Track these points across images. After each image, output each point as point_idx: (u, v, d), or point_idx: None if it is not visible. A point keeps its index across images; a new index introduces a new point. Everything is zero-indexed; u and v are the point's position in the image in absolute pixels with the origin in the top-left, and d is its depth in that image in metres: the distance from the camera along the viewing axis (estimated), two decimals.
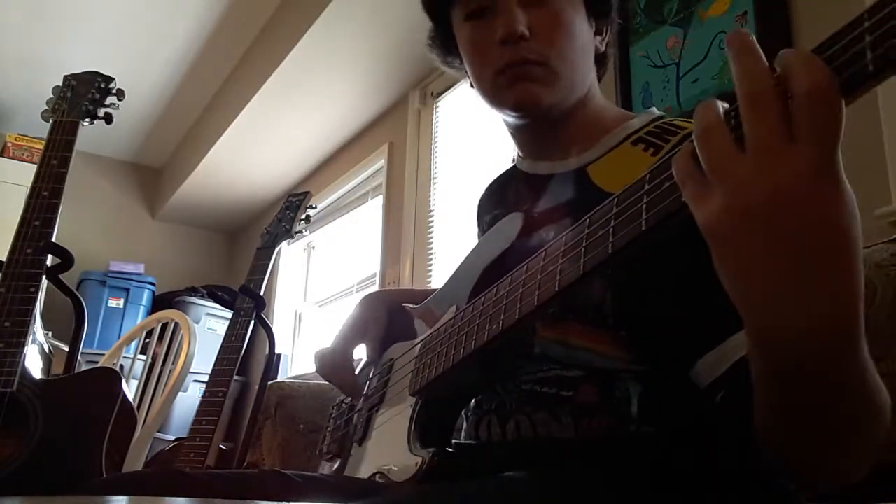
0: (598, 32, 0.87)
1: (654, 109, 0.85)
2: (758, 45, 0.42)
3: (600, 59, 0.89)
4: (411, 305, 0.94)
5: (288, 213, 1.86)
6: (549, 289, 0.59)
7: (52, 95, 1.47)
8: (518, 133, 0.89)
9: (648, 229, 0.50)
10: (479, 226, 1.02)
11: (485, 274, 0.79)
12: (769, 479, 0.66)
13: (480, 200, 1.03)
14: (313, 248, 4.13)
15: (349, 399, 0.99)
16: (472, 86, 0.90)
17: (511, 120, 0.87)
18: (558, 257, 0.59)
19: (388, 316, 0.98)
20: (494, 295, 0.69)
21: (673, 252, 0.57)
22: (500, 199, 0.97)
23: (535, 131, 0.87)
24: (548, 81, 0.80)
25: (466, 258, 0.87)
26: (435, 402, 0.78)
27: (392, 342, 0.95)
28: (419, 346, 0.83)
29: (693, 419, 0.68)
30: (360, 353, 0.99)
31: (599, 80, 0.90)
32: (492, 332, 0.67)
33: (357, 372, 0.98)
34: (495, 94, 0.83)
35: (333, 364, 0.94)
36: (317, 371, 0.98)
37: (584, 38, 0.83)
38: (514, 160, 0.95)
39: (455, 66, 0.93)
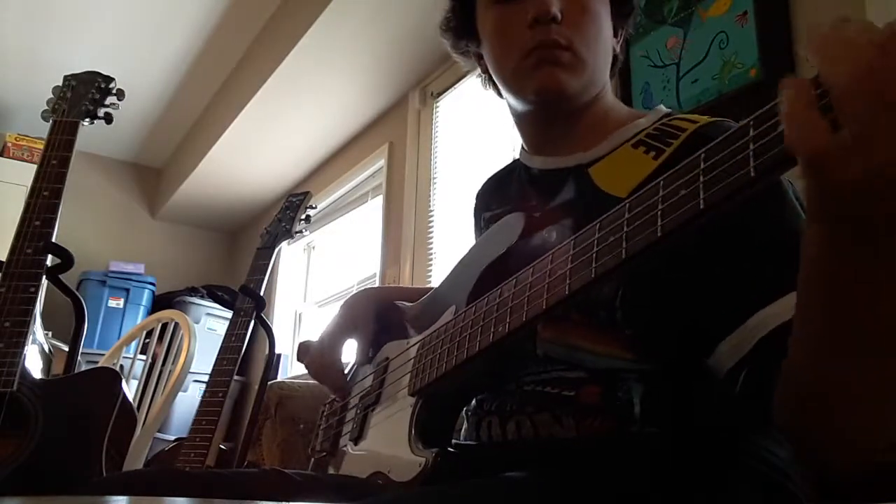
0: (614, 33, 0.88)
1: (662, 107, 0.85)
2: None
3: (613, 62, 0.89)
4: (405, 303, 0.94)
5: (288, 213, 1.86)
6: (559, 292, 0.59)
7: (52, 95, 1.47)
8: (526, 125, 0.89)
9: (664, 236, 0.50)
10: (476, 220, 1.02)
11: (484, 274, 0.79)
12: (773, 481, 0.66)
13: (478, 194, 1.03)
14: (313, 248, 4.13)
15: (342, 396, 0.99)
16: (484, 72, 0.89)
17: (526, 108, 0.86)
18: (567, 261, 0.59)
19: (378, 314, 0.98)
20: (499, 297, 0.69)
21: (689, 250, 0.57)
22: (500, 195, 0.96)
23: (544, 123, 0.86)
24: (574, 68, 0.80)
25: (465, 257, 0.86)
26: (436, 402, 0.77)
27: (385, 340, 0.95)
28: (417, 346, 0.83)
29: (695, 419, 0.68)
30: (349, 350, 0.99)
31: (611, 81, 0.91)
32: (497, 334, 0.66)
33: (347, 370, 0.98)
34: (517, 78, 0.82)
35: (322, 362, 0.95)
36: (298, 359, 0.97)
37: (608, 34, 0.84)
38: (518, 154, 0.95)
39: (465, 51, 0.92)
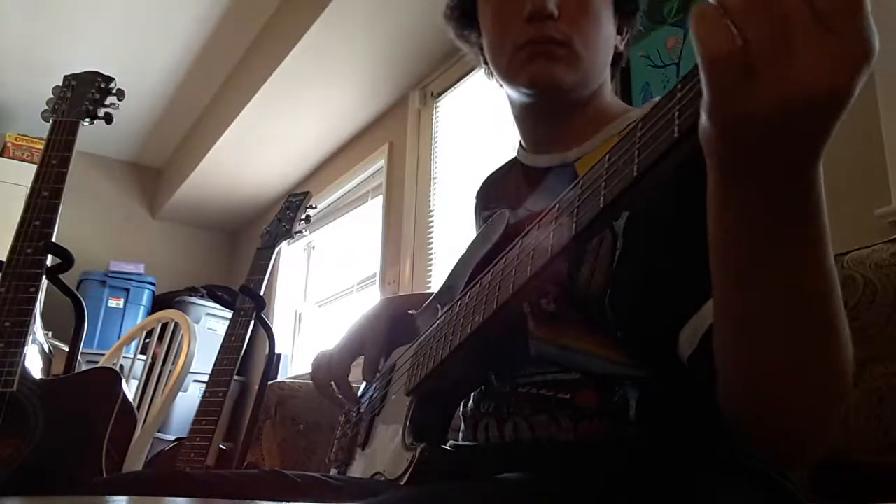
0: (619, 31, 0.88)
1: (657, 98, 0.85)
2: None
3: (616, 60, 0.89)
4: (415, 312, 0.95)
5: (288, 213, 1.86)
6: (542, 255, 0.59)
7: (52, 95, 1.47)
8: (524, 119, 0.89)
9: (640, 175, 0.49)
10: (476, 218, 1.02)
11: (474, 273, 0.79)
12: (773, 480, 0.66)
13: (478, 193, 1.03)
14: (313, 248, 4.13)
15: (357, 407, 1.00)
16: (484, 62, 0.89)
17: (522, 99, 0.86)
18: (550, 224, 0.59)
19: (393, 325, 0.98)
20: (490, 278, 0.69)
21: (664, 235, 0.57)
22: (498, 192, 0.97)
23: (542, 118, 0.86)
24: (569, 62, 0.80)
25: (459, 259, 0.87)
26: (430, 399, 0.78)
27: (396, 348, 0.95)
28: (415, 347, 0.83)
29: (692, 421, 0.68)
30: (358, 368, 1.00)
31: (612, 80, 0.90)
32: (487, 313, 0.66)
33: (360, 391, 0.99)
34: (511, 69, 0.82)
35: (329, 376, 0.96)
36: (312, 377, 0.99)
37: (608, 31, 0.84)
38: (516, 151, 0.95)
39: (469, 40, 0.92)
